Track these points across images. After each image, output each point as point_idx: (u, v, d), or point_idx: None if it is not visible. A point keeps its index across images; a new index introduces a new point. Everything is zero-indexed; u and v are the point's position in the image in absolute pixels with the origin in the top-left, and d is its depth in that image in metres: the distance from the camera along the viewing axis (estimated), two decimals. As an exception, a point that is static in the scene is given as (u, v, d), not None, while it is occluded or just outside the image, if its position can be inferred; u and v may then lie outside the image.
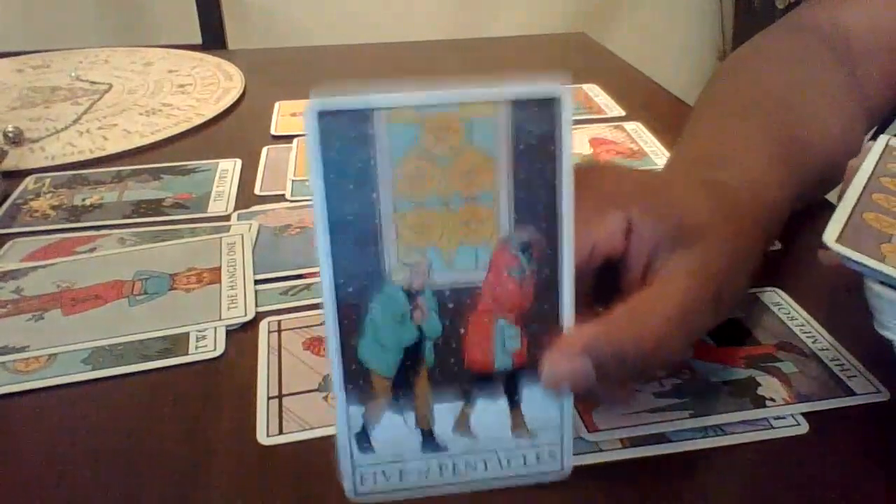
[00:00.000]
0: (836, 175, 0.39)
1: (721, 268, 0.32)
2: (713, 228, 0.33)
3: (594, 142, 0.67)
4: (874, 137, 0.40)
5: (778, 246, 0.50)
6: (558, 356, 0.28)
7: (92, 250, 0.52)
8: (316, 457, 0.34)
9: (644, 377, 0.34)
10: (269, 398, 0.38)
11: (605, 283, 0.34)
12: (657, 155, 0.64)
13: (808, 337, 0.41)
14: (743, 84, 0.52)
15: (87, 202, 0.59)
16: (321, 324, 0.43)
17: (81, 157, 0.67)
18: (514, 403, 0.29)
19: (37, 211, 0.58)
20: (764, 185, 0.41)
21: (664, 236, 0.32)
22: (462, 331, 0.28)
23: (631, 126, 0.70)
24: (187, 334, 0.42)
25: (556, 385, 0.28)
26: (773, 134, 0.45)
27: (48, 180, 0.63)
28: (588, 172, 0.33)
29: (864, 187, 0.35)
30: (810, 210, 0.48)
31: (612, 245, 0.33)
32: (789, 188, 0.43)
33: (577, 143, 0.66)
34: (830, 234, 0.32)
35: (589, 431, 0.35)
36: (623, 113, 0.74)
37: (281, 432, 0.36)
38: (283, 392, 0.38)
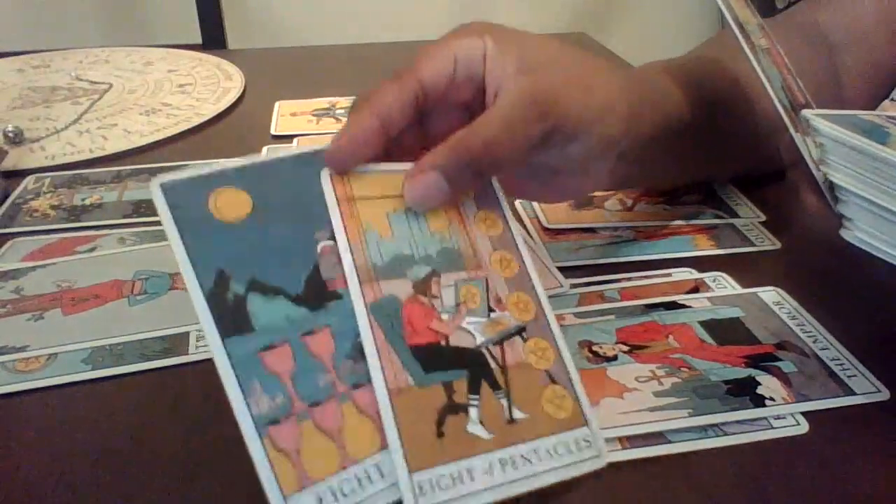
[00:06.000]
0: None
1: (547, 90, 0.37)
2: (552, 62, 0.38)
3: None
4: None
5: (778, 245, 0.50)
6: (411, 178, 0.34)
7: (92, 250, 0.52)
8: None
9: (491, 173, 0.37)
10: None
11: None
12: (657, 155, 0.64)
13: (808, 336, 0.41)
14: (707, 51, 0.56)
15: (87, 202, 0.59)
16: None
17: (81, 157, 0.67)
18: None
19: (37, 211, 0.58)
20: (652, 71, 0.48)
21: (509, 64, 0.37)
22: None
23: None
24: (187, 334, 0.42)
25: (419, 201, 0.35)
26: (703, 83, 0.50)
27: (48, 180, 0.63)
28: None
29: None
30: (809, 210, 0.48)
31: (471, 60, 0.38)
32: (684, 92, 0.47)
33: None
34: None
35: (589, 431, 0.35)
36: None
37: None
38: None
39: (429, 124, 0.39)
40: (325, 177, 0.34)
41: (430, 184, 0.34)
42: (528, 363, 0.33)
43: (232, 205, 0.31)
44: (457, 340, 0.32)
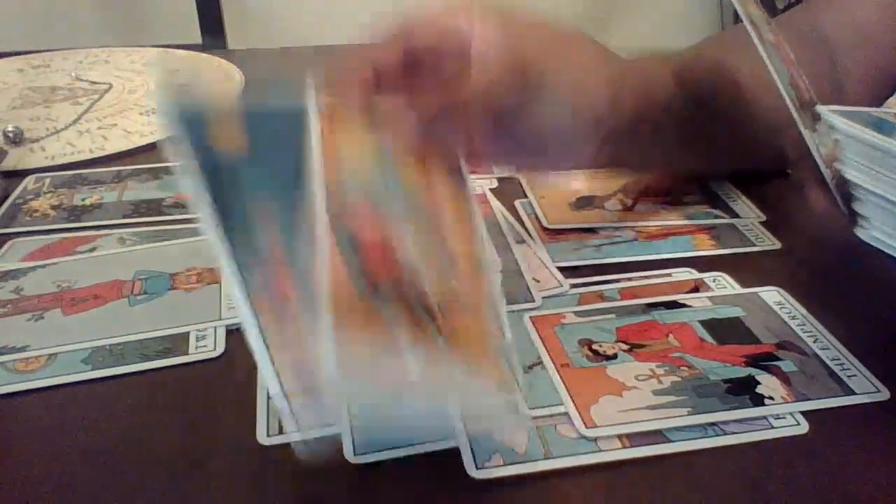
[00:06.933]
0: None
1: (526, 48, 0.39)
2: (536, 32, 0.41)
3: (594, 141, 0.66)
4: None
5: (778, 245, 0.50)
6: (387, 112, 0.37)
7: (92, 250, 0.52)
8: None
9: (465, 114, 0.39)
10: (269, 398, 0.38)
11: None
12: (657, 154, 0.64)
13: (808, 336, 0.41)
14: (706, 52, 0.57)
15: (87, 202, 0.59)
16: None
17: (81, 157, 0.67)
18: None
19: (37, 211, 0.58)
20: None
21: (495, 34, 0.39)
22: None
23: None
24: (187, 334, 0.42)
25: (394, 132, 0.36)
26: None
27: (48, 180, 0.63)
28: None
29: None
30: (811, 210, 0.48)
31: (458, 31, 0.39)
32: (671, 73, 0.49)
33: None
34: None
35: (587, 427, 0.35)
36: (623, 112, 0.74)
37: (281, 432, 0.36)
38: (284, 392, 0.38)
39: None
40: (312, 102, 0.35)
41: (402, 115, 0.36)
42: (473, 327, 0.33)
43: (230, 138, 0.32)
44: (407, 286, 0.31)
